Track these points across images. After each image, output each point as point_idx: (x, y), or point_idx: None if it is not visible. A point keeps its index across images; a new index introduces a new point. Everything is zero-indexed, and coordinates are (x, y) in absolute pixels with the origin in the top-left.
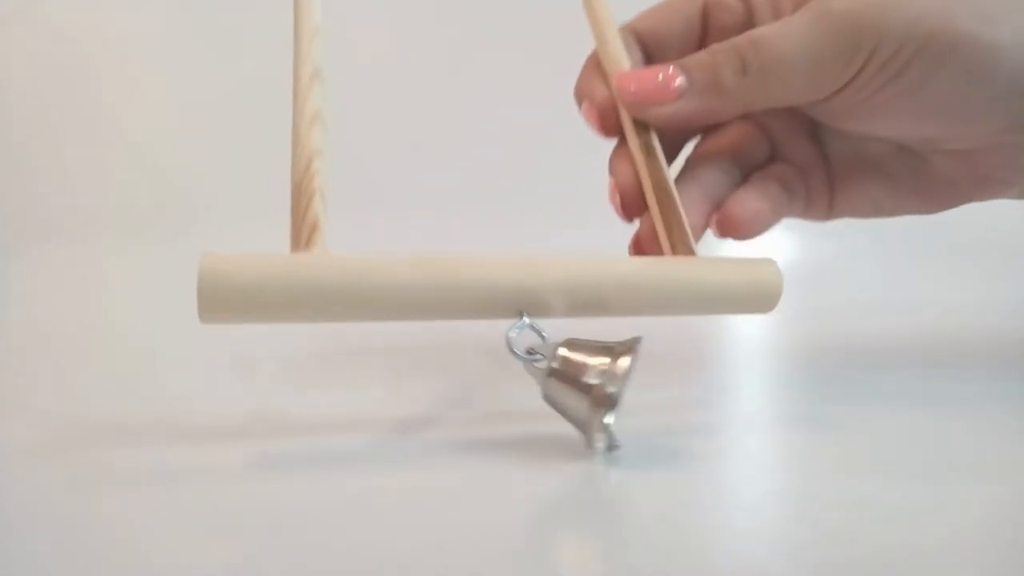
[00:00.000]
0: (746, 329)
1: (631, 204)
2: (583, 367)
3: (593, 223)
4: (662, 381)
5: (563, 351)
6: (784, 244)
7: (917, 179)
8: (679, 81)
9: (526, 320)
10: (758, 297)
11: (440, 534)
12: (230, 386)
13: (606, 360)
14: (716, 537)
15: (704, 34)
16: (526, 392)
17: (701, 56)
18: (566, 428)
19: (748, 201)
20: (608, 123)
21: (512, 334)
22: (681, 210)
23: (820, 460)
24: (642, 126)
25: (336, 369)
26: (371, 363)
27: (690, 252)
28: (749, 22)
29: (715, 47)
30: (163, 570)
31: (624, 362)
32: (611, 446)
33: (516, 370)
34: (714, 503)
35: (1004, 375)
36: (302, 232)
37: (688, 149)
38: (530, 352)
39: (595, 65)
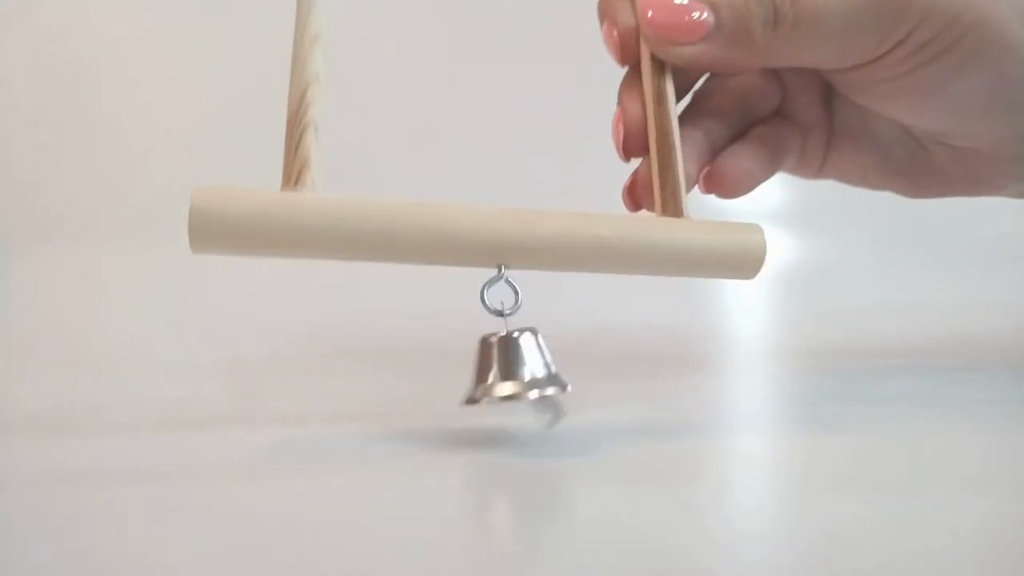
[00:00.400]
0: (745, 330)
1: (633, 143)
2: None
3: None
4: (661, 380)
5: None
6: (785, 244)
7: (911, 164)
8: (707, 17)
9: (504, 273)
10: (741, 263)
11: (420, 534)
12: (230, 385)
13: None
14: (714, 540)
15: None
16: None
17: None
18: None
19: (740, 160)
20: (628, 52)
21: (488, 288)
22: (680, 167)
23: (820, 461)
24: (659, 67)
25: (333, 370)
26: (364, 363)
27: (679, 213)
28: None
29: None
30: (160, 568)
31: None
32: (555, 419)
33: None
34: (712, 505)
35: (1006, 377)
36: (293, 168)
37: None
38: (499, 311)
39: None
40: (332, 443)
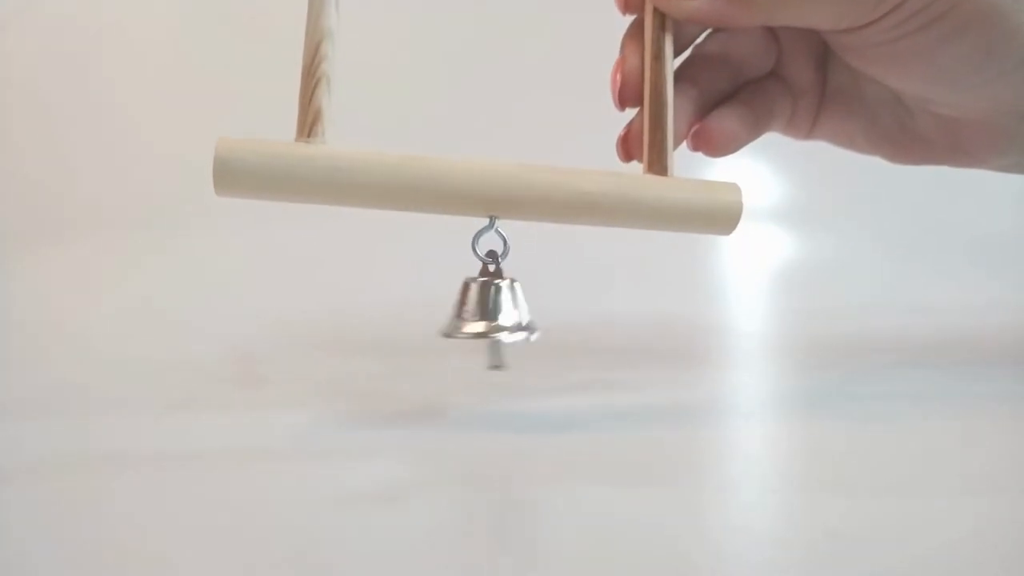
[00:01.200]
0: (746, 327)
1: (629, 93)
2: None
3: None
4: (660, 377)
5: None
6: (785, 243)
7: (899, 130)
8: None
9: (496, 223)
10: (718, 219)
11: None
12: (229, 383)
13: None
14: (711, 535)
15: None
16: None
17: None
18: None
19: (726, 121)
20: (631, 3)
21: (479, 237)
22: (670, 126)
23: (820, 455)
24: (660, 21)
25: (332, 360)
26: (366, 366)
27: (664, 170)
28: None
29: None
30: (160, 552)
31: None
32: (496, 365)
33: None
34: (710, 502)
35: (1006, 373)
36: (306, 119)
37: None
38: (489, 255)
39: None
40: (331, 428)
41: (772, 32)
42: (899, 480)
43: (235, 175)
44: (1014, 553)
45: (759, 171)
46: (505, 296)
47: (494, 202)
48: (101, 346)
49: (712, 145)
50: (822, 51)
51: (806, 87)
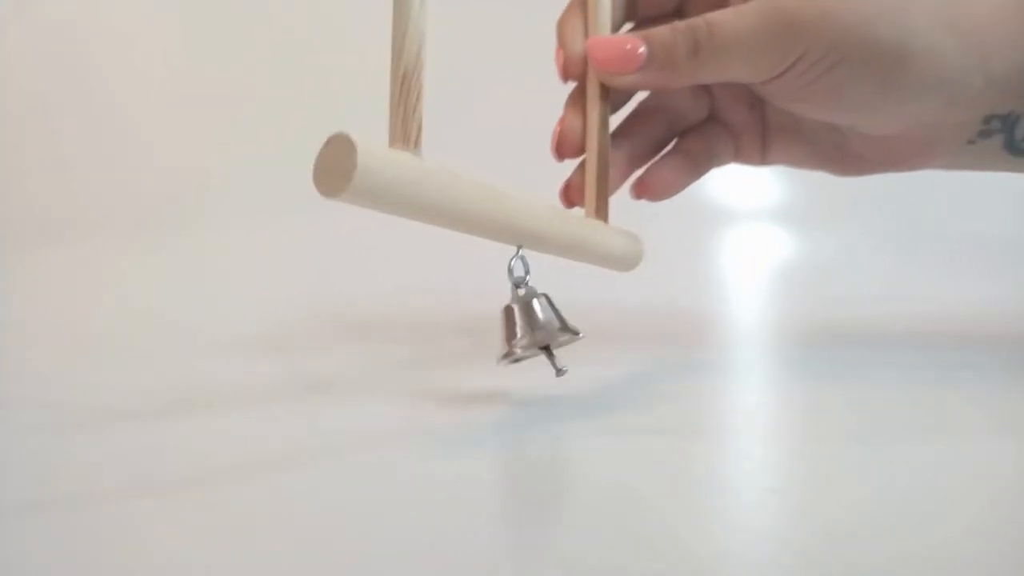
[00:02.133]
0: (747, 324)
1: (567, 149)
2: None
3: None
4: (659, 375)
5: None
6: (785, 241)
7: (837, 151)
8: (641, 52)
9: (520, 251)
10: (626, 263)
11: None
12: (229, 382)
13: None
14: (712, 533)
15: None
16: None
17: (664, 32)
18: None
19: (664, 171)
20: (571, 73)
21: (512, 262)
22: (609, 183)
23: (819, 454)
24: (602, 90)
25: (330, 350)
26: (367, 362)
27: (605, 216)
28: None
29: (677, 25)
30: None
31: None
32: (560, 369)
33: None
34: (714, 493)
35: (1004, 367)
36: (410, 127)
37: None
38: (518, 279)
39: (580, 4)
40: (331, 426)
41: (705, 86)
42: (899, 476)
43: (372, 187)
44: (1014, 549)
45: (762, 173)
46: (545, 310)
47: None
48: (101, 345)
49: (651, 193)
50: (753, 95)
51: (744, 125)
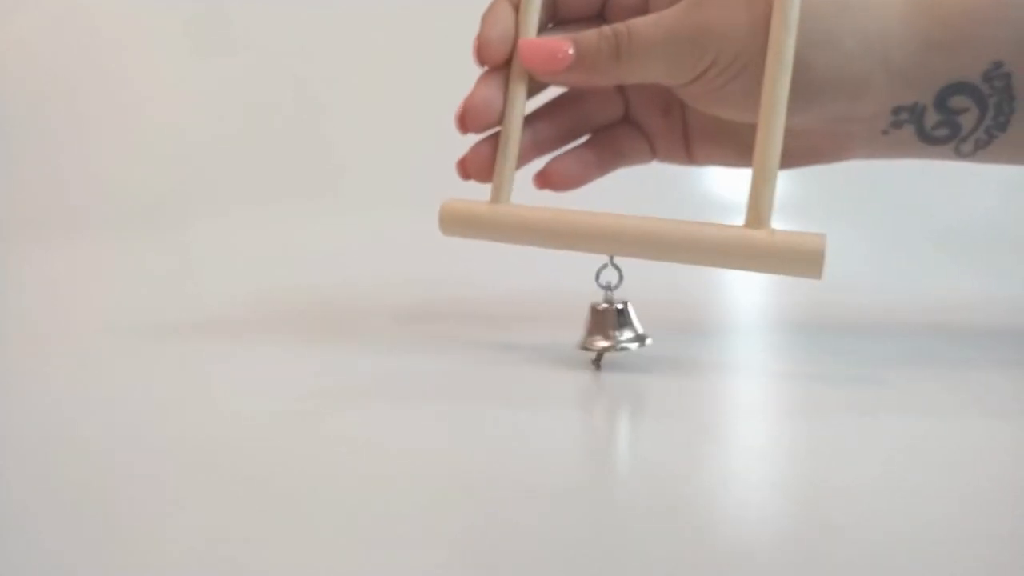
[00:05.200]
0: (742, 314)
1: (474, 122)
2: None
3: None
4: (658, 372)
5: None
6: None
7: None
8: (569, 54)
9: (612, 259)
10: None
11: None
12: (229, 380)
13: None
14: (712, 522)
15: None
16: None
17: (590, 36)
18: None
19: (566, 163)
20: (488, 59)
21: (600, 271)
22: (514, 164)
23: (816, 447)
24: (525, 79)
25: (338, 339)
26: (369, 360)
27: (507, 199)
28: None
29: (604, 30)
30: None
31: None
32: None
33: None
34: (716, 483)
35: (996, 357)
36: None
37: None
38: (607, 286)
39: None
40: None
41: (620, 87)
42: (895, 464)
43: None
44: (1013, 552)
45: None
46: (624, 316)
47: (620, 246)
48: (102, 344)
49: (553, 184)
50: (669, 98)
51: (659, 129)
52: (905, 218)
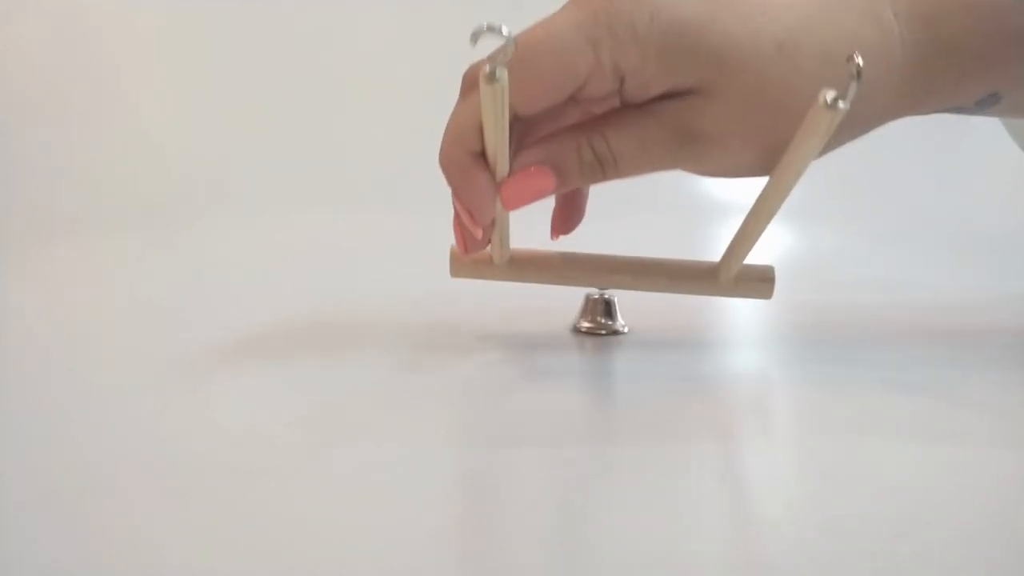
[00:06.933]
0: (745, 314)
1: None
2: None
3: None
4: (657, 369)
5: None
6: (783, 235)
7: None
8: (551, 180)
9: (604, 294)
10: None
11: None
12: (230, 383)
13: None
14: (716, 525)
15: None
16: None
17: (571, 159)
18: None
19: (566, 212)
20: (471, 248)
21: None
22: (508, 238)
23: (819, 449)
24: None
25: (330, 344)
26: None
27: (507, 252)
28: (616, 93)
29: (582, 147)
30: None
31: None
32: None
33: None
34: (713, 489)
35: (1003, 358)
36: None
37: None
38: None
39: (476, 138)
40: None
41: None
42: (900, 469)
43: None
44: (1015, 544)
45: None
46: (610, 306)
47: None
48: (102, 343)
49: (565, 230)
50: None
51: None
52: (907, 218)
